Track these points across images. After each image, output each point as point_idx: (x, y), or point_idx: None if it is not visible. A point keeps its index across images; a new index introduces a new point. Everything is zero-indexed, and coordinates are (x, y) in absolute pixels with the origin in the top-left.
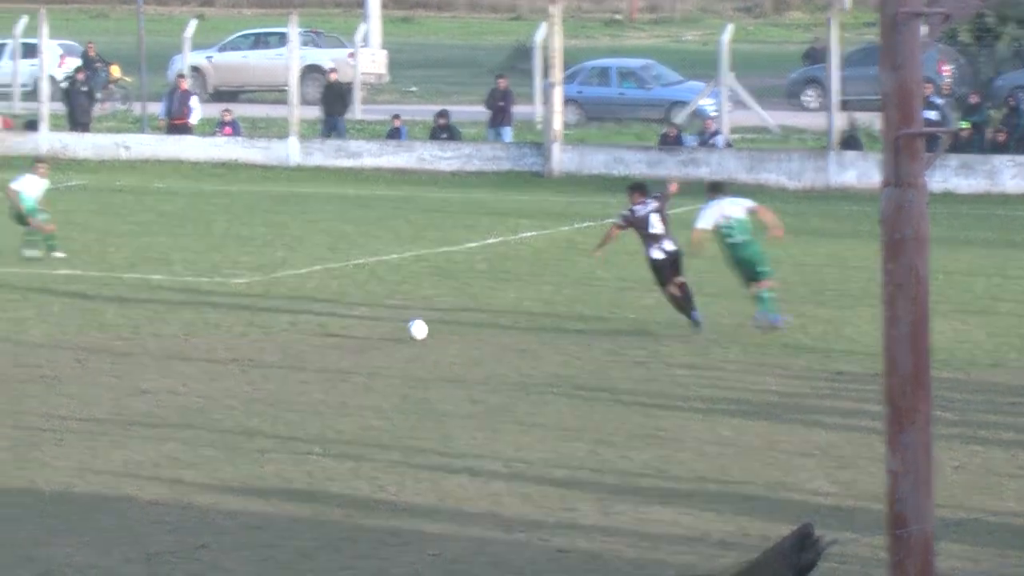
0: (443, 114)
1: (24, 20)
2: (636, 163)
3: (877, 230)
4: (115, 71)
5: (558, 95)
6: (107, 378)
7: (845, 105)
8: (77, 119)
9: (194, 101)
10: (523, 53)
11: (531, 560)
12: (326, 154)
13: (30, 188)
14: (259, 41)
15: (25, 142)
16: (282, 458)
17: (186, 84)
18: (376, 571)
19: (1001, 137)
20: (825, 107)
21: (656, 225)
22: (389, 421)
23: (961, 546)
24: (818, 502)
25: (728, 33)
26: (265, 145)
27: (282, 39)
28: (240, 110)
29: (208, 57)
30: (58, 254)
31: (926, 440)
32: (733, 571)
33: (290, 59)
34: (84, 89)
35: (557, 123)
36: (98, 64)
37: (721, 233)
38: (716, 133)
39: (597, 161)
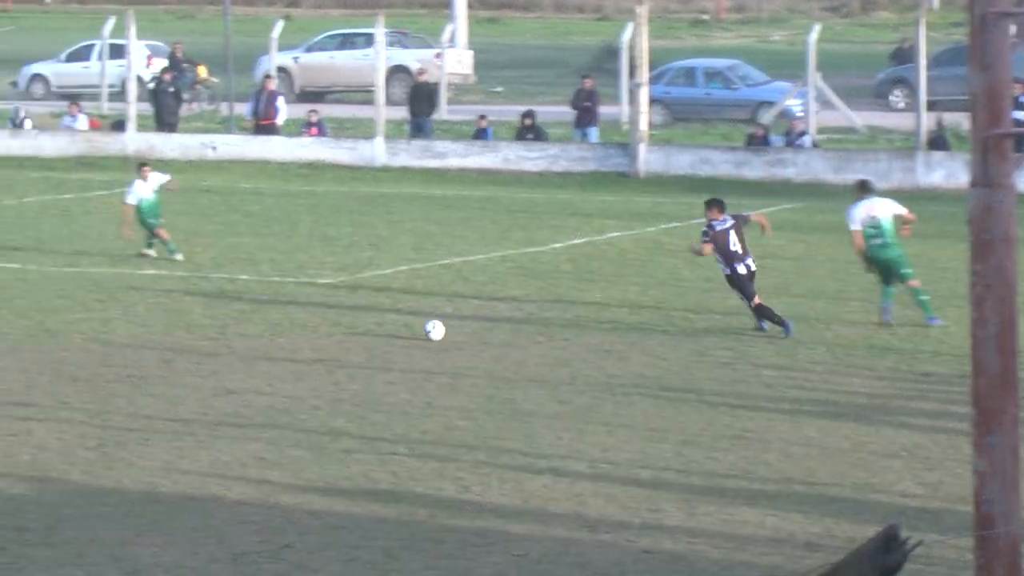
0: (529, 114)
1: (112, 21)
2: (722, 164)
3: (965, 231)
4: (202, 71)
5: (644, 95)
6: (193, 378)
7: (933, 105)
8: (164, 120)
9: (280, 102)
10: (609, 53)
11: (616, 561)
12: (412, 154)
13: (144, 193)
14: (346, 42)
15: (112, 142)
16: (367, 458)
17: (273, 85)
18: (461, 571)
19: None
20: (913, 107)
21: (736, 243)
22: (474, 421)
23: None
24: (904, 503)
25: (815, 33)
26: (351, 146)
27: (368, 40)
28: (326, 111)
29: (295, 58)
30: (178, 256)
31: (1014, 441)
32: (819, 572)
33: (376, 60)
34: (171, 90)
35: (643, 123)
36: (185, 65)
37: (866, 234)
38: (803, 133)
39: (683, 162)
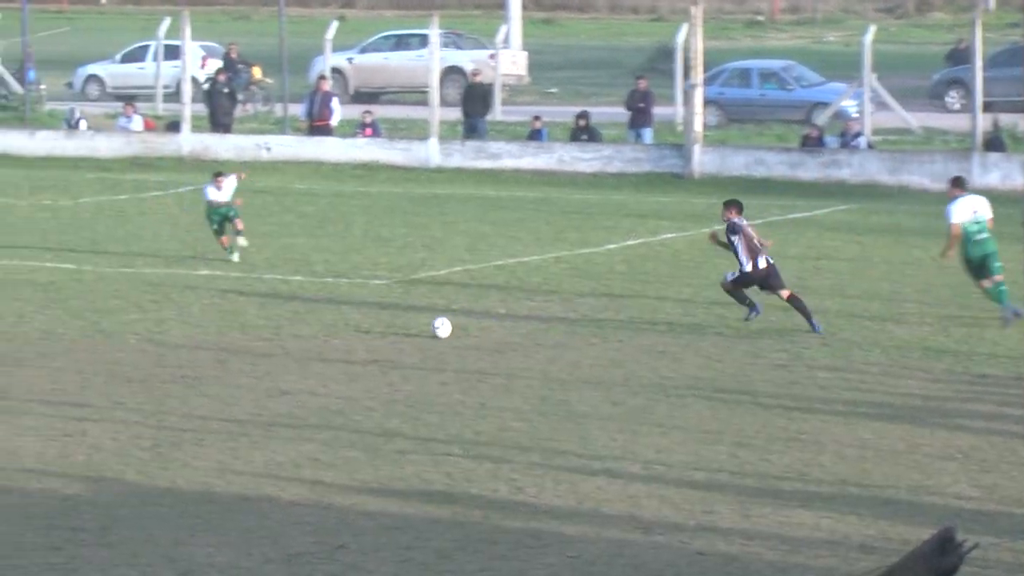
0: (583, 115)
1: (167, 22)
2: (777, 165)
3: (1020, 232)
4: (256, 72)
5: (699, 96)
6: (247, 379)
7: (989, 106)
8: (218, 120)
9: (335, 102)
10: (664, 54)
11: (670, 563)
12: (466, 155)
13: (216, 199)
14: (400, 43)
15: (167, 143)
16: (421, 459)
17: (327, 85)
18: (515, 573)
19: None
20: (968, 108)
21: (756, 238)
22: (528, 422)
23: None
24: (960, 506)
25: (870, 34)
26: (405, 146)
27: (423, 40)
28: (380, 111)
29: (349, 59)
30: (234, 257)
31: None
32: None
33: (431, 60)
34: (226, 90)
35: (698, 124)
36: (240, 65)
37: (969, 229)
38: (858, 134)
39: (738, 163)
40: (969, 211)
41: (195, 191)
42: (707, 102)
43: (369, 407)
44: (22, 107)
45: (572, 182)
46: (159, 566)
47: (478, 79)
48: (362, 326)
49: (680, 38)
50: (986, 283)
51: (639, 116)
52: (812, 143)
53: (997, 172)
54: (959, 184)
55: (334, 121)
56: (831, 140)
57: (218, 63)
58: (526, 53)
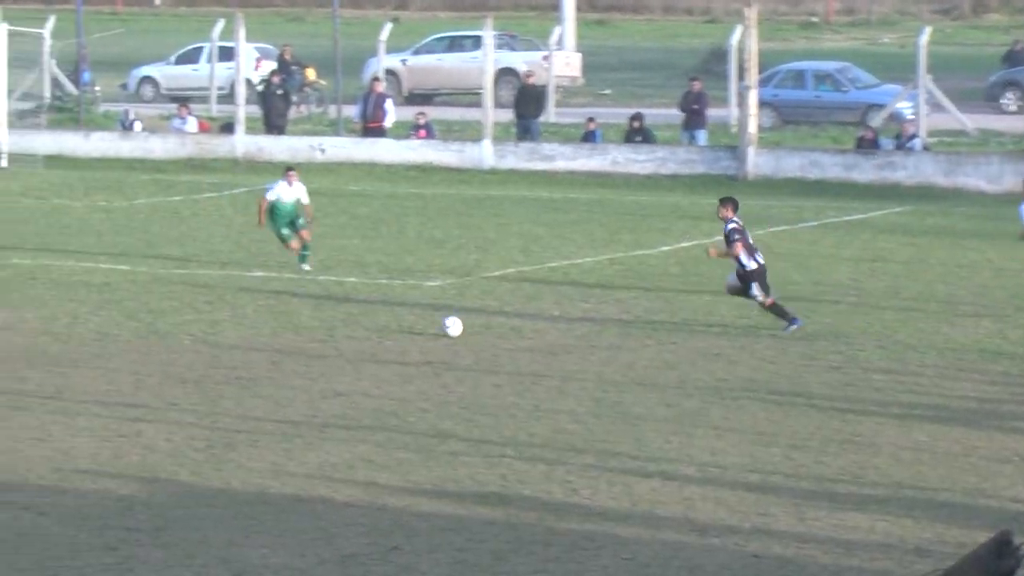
0: (637, 117)
1: (221, 24)
2: (832, 166)
3: None
4: (310, 74)
5: (753, 98)
6: (301, 380)
7: None
8: (272, 122)
9: (389, 104)
10: (718, 56)
11: (725, 565)
12: (519, 157)
13: (285, 196)
14: (453, 44)
15: (221, 145)
16: (475, 461)
17: (381, 87)
18: (569, 575)
19: None
20: None
21: (750, 238)
22: (582, 424)
23: None
24: (1016, 509)
25: (926, 35)
26: (459, 148)
27: (476, 42)
28: (434, 113)
29: (403, 60)
30: (305, 266)
31: None
32: None
33: (484, 62)
34: (279, 92)
35: (752, 126)
36: (294, 67)
37: None
38: (913, 136)
39: (792, 165)
40: None
41: (249, 193)
42: (761, 104)
43: (423, 408)
44: (77, 109)
45: (626, 184)
46: (213, 567)
47: (531, 81)
48: (416, 327)
49: (734, 39)
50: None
51: (693, 118)
52: (867, 145)
53: None
54: None
55: (388, 123)
56: (886, 142)
57: (272, 65)
58: (580, 54)
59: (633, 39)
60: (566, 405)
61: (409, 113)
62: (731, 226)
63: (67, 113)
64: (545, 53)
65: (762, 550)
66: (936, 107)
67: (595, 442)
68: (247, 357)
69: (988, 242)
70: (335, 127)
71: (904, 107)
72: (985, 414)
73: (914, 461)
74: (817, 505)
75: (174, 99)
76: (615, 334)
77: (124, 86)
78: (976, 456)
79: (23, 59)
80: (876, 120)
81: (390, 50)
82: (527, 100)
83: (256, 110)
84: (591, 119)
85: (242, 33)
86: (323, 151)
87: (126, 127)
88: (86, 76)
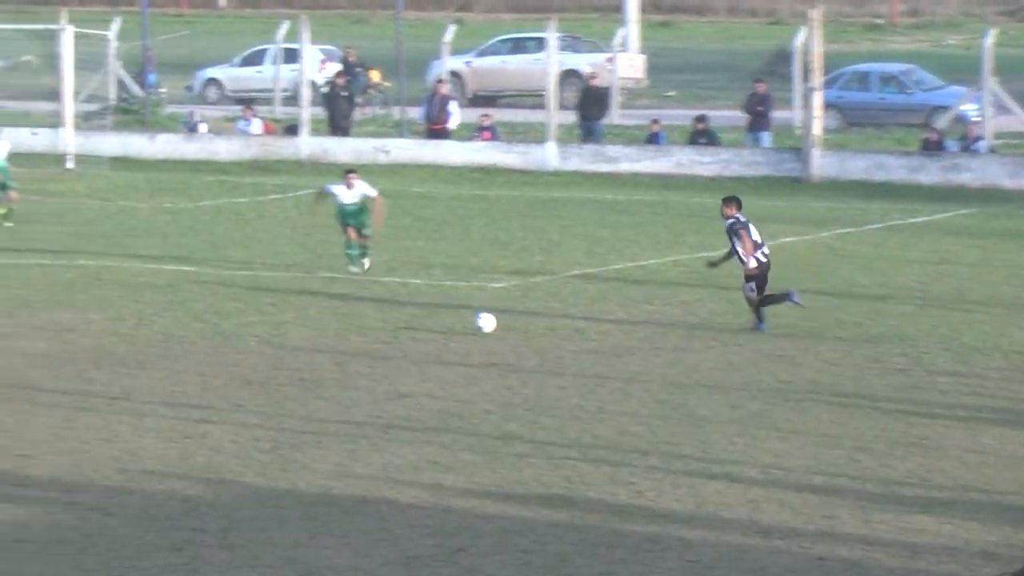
0: (702, 119)
1: (285, 26)
2: (897, 169)
3: None
4: (374, 76)
5: (818, 100)
6: (366, 381)
7: None
8: (337, 124)
9: (453, 106)
10: (782, 57)
11: (790, 567)
12: (584, 159)
13: (345, 198)
14: (517, 46)
15: (286, 147)
16: (540, 463)
17: (445, 89)
18: None
19: None
20: None
21: (756, 234)
22: (647, 426)
23: None
24: None
25: (991, 37)
26: (523, 150)
27: (540, 44)
28: (498, 115)
29: (467, 62)
30: (364, 263)
31: None
32: None
33: (548, 64)
34: (344, 94)
35: (817, 128)
36: (358, 69)
37: None
38: (979, 138)
39: (857, 167)
40: None
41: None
42: (826, 106)
43: (487, 410)
44: (143, 110)
45: (690, 186)
46: (279, 567)
47: (595, 82)
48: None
49: (799, 41)
50: None
51: (757, 120)
52: (932, 147)
53: None
54: None
55: (452, 124)
56: (951, 144)
57: (336, 66)
58: (644, 56)
59: (697, 41)
60: (630, 407)
61: (473, 115)
62: (731, 221)
63: (133, 115)
64: (609, 55)
65: (827, 553)
66: (1001, 109)
67: (659, 444)
68: (312, 359)
69: None
70: (399, 129)
71: (969, 109)
72: None
73: (980, 464)
74: (883, 508)
75: (239, 101)
76: (679, 336)
77: (189, 88)
78: None
79: (89, 61)
80: (941, 122)
81: (454, 52)
82: (591, 102)
83: (320, 112)
84: (655, 121)
85: (306, 35)
86: (387, 153)
87: (191, 129)
88: (151, 78)
